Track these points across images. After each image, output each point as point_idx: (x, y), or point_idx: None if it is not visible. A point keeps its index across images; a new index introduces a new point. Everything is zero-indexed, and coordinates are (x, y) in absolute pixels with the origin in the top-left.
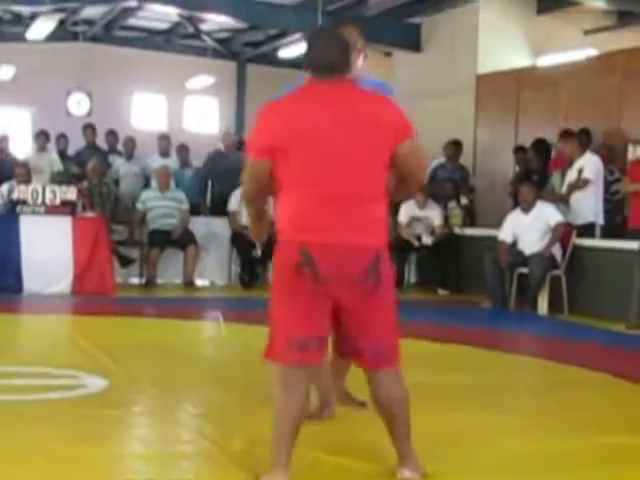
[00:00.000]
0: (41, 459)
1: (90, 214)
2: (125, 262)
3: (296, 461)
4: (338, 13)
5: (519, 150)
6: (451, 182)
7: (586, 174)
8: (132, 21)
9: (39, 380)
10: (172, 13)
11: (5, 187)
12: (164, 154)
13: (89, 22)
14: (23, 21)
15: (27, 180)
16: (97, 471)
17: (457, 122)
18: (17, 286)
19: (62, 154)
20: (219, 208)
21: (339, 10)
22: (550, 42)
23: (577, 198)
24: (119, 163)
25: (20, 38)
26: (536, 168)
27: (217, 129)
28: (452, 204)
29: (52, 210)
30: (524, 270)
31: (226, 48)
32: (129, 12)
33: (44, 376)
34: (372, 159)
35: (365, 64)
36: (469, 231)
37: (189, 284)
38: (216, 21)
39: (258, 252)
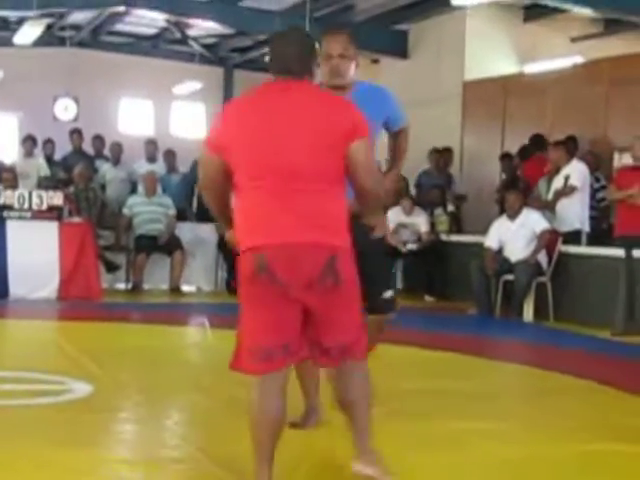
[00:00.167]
0: (27, 464)
1: (76, 219)
2: (111, 267)
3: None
4: (326, 19)
5: (505, 157)
6: (437, 189)
7: (573, 181)
8: (119, 26)
9: (24, 385)
10: (159, 19)
11: None
12: (151, 159)
13: (76, 27)
14: (10, 26)
15: (14, 185)
16: (83, 476)
17: (444, 129)
18: (3, 291)
19: (49, 159)
20: (206, 214)
21: (327, 16)
22: (537, 49)
23: (563, 205)
24: (106, 168)
25: (7, 43)
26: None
27: (204, 135)
28: (439, 211)
29: (38, 215)
30: (510, 277)
31: (213, 54)
32: (116, 17)
33: (29, 381)
34: (322, 158)
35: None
36: (455, 238)
37: (175, 290)
38: (203, 27)
39: None
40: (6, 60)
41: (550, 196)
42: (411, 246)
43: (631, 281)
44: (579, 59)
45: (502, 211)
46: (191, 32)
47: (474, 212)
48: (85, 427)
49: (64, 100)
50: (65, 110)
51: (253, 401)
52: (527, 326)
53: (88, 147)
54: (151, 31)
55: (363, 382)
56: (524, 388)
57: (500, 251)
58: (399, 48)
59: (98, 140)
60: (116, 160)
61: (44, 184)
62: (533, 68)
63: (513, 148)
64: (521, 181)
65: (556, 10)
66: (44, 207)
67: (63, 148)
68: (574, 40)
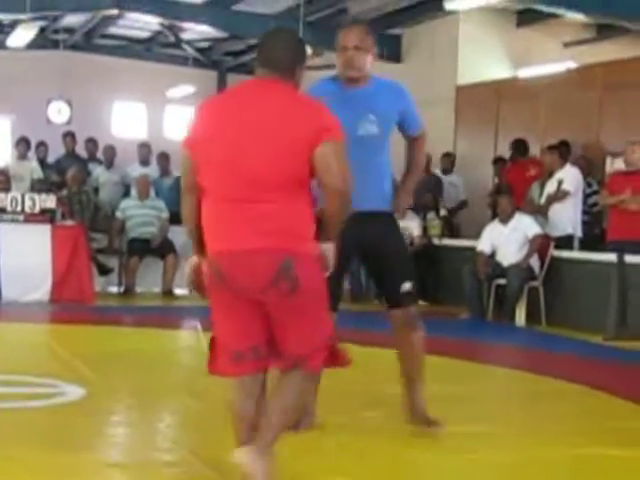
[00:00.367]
0: (19, 468)
1: (69, 222)
2: (104, 270)
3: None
4: (319, 23)
5: (498, 161)
6: (430, 193)
7: (566, 186)
8: (113, 29)
9: (16, 388)
10: (153, 22)
11: None
12: (144, 162)
13: (70, 30)
14: (3, 29)
15: (6, 188)
16: (75, 479)
17: (437, 133)
18: None
19: (42, 162)
20: None
21: (320, 20)
22: (530, 54)
23: (556, 210)
24: (99, 171)
25: (0, 45)
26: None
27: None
28: (431, 215)
29: (31, 218)
30: (502, 281)
31: (207, 57)
32: (110, 20)
33: (22, 384)
34: (283, 166)
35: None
36: (448, 242)
37: (168, 293)
38: (197, 30)
39: None
40: None
41: (543, 200)
42: None
43: (623, 286)
44: (572, 64)
45: (495, 215)
46: (185, 36)
47: (467, 216)
48: (77, 430)
49: (57, 103)
50: (58, 113)
51: (231, 401)
52: (519, 330)
53: (81, 150)
54: (145, 34)
55: (293, 396)
56: (516, 392)
57: (492, 255)
58: (392, 52)
59: (91, 143)
60: (109, 163)
61: (37, 187)
62: (526, 73)
63: (506, 153)
64: (503, 186)
65: (549, 15)
66: (37, 210)
67: (56, 151)
68: (567, 45)
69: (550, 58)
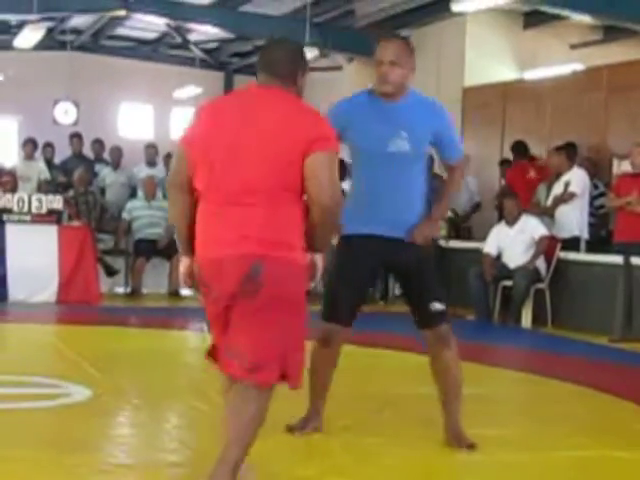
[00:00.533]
0: (25, 468)
1: (76, 223)
2: (110, 271)
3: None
4: (326, 24)
5: (505, 163)
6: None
7: (573, 188)
8: (120, 30)
9: (23, 389)
10: (160, 23)
11: None
12: (151, 163)
13: (77, 31)
14: (11, 29)
15: (13, 188)
16: None
17: None
18: (2, 294)
19: (48, 163)
20: None
21: (327, 21)
22: (536, 56)
23: (562, 212)
24: (105, 172)
25: (8, 46)
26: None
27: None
28: None
29: (38, 219)
30: (508, 283)
31: (213, 58)
32: (117, 21)
33: (28, 385)
34: (273, 175)
35: (358, 76)
36: (454, 244)
37: (174, 294)
38: (204, 31)
39: None
40: (6, 64)
41: (549, 202)
42: None
43: (629, 288)
44: (578, 66)
45: (501, 217)
46: (191, 37)
47: (473, 218)
48: (84, 431)
49: (64, 104)
50: (65, 114)
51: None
52: (525, 332)
53: (88, 151)
54: (152, 35)
55: (248, 405)
56: (521, 394)
57: (499, 257)
58: None
59: (98, 144)
60: (116, 164)
61: (44, 188)
62: (533, 74)
63: (511, 154)
64: (504, 187)
65: (556, 17)
66: (44, 211)
67: (63, 152)
68: (573, 47)
69: (557, 60)
